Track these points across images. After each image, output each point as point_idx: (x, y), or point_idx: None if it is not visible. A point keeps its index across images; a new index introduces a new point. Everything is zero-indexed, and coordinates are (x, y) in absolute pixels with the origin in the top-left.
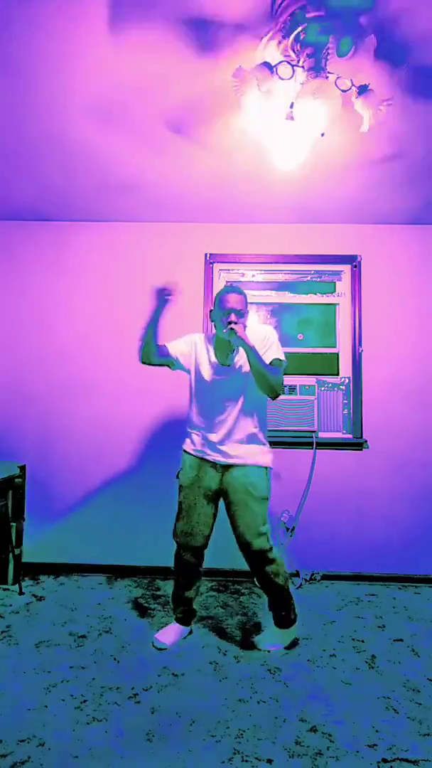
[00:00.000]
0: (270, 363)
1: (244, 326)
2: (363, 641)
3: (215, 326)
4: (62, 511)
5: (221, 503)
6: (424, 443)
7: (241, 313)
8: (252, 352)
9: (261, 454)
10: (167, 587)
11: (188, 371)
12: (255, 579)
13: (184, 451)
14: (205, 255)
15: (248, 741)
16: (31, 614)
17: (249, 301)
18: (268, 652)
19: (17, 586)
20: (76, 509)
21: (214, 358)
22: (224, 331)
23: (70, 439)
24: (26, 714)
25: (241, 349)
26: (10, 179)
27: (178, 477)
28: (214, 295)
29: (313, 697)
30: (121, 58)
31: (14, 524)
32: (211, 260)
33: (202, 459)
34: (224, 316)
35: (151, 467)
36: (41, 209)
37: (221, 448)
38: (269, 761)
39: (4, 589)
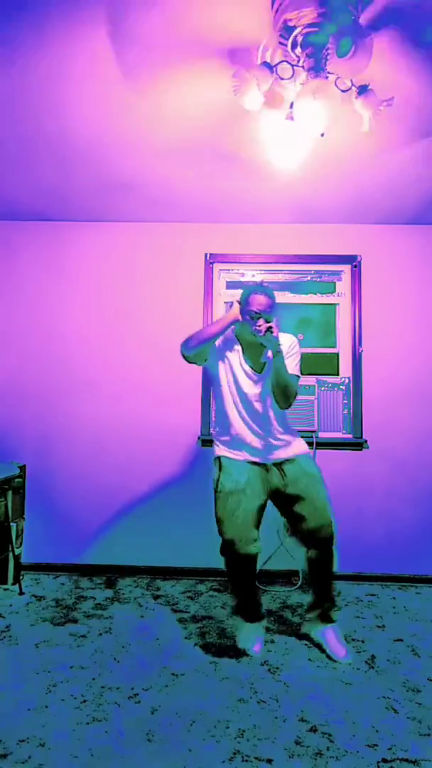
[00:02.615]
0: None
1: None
2: (363, 641)
3: (242, 325)
4: (62, 511)
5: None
6: (424, 443)
7: (272, 318)
8: (281, 358)
9: (302, 444)
10: (167, 587)
11: (212, 371)
12: (309, 570)
13: (224, 457)
14: (205, 255)
15: (248, 741)
16: (31, 614)
17: None
18: (349, 663)
19: (17, 586)
20: (76, 509)
21: (246, 367)
22: (260, 334)
23: (70, 438)
24: (26, 714)
25: (268, 353)
26: (9, 179)
27: (217, 485)
28: (213, 294)
29: (313, 697)
30: (122, 59)
31: (14, 524)
32: (211, 260)
33: (250, 463)
34: (254, 319)
35: (152, 467)
36: (40, 209)
37: (268, 448)
38: (269, 761)
39: (4, 589)
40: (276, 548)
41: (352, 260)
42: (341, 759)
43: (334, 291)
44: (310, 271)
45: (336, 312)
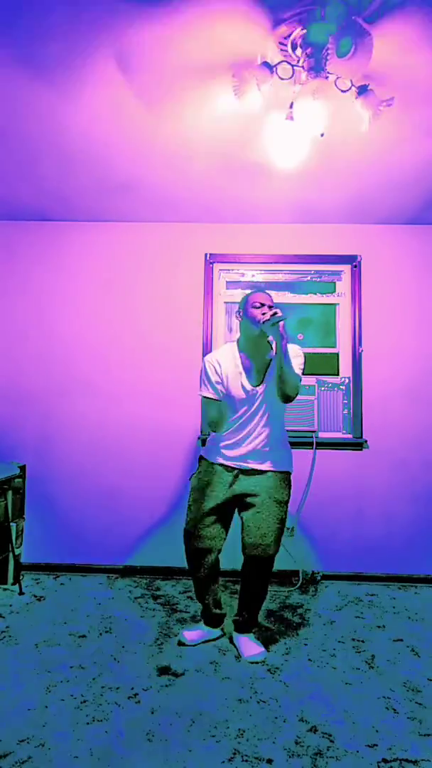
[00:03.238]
0: None
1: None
2: (363, 641)
3: (241, 329)
4: (62, 511)
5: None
6: (424, 443)
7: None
8: (283, 344)
9: (285, 461)
10: (167, 587)
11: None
12: (241, 581)
13: (205, 459)
14: (205, 255)
15: (248, 741)
16: (31, 614)
17: None
18: (263, 662)
19: (17, 586)
20: (76, 509)
21: (247, 383)
22: (264, 320)
23: (70, 439)
24: (26, 714)
25: (272, 352)
26: (10, 179)
27: (192, 479)
28: (213, 294)
29: (313, 697)
30: (123, 60)
31: (14, 524)
32: (211, 260)
33: (223, 465)
34: (257, 309)
35: (152, 467)
36: (41, 209)
37: (250, 457)
38: (269, 761)
39: (4, 589)
40: None
41: (352, 260)
42: (341, 759)
43: (334, 291)
44: (310, 271)
45: (336, 312)
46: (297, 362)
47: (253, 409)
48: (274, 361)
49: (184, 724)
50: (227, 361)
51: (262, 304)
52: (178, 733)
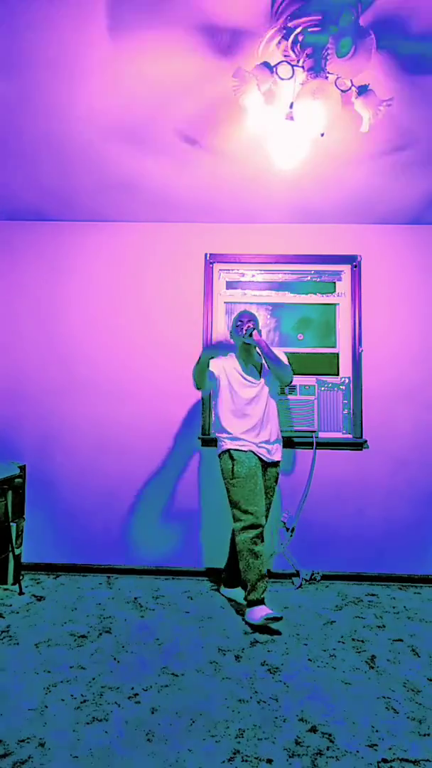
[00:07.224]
0: None
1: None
2: (363, 641)
3: (235, 341)
4: (62, 511)
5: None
6: (424, 443)
7: (257, 325)
8: (265, 348)
9: (281, 450)
10: (167, 587)
11: (215, 386)
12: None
13: (233, 450)
14: (205, 255)
15: (248, 741)
16: (31, 614)
17: (248, 301)
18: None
19: (17, 586)
20: (76, 509)
21: (246, 376)
22: (243, 334)
23: (70, 439)
24: (26, 714)
25: (266, 365)
26: (10, 179)
27: (232, 473)
28: (213, 294)
29: (313, 697)
30: (123, 59)
31: (14, 524)
32: (211, 260)
33: (252, 453)
34: (242, 325)
35: (152, 467)
36: (41, 209)
37: (266, 446)
38: (269, 761)
39: (4, 589)
40: (275, 553)
41: (352, 260)
42: (341, 759)
43: (334, 291)
44: (310, 271)
45: (336, 312)
46: (279, 353)
47: (254, 397)
48: (262, 352)
49: (184, 724)
50: (231, 366)
51: (242, 321)
52: (178, 733)
